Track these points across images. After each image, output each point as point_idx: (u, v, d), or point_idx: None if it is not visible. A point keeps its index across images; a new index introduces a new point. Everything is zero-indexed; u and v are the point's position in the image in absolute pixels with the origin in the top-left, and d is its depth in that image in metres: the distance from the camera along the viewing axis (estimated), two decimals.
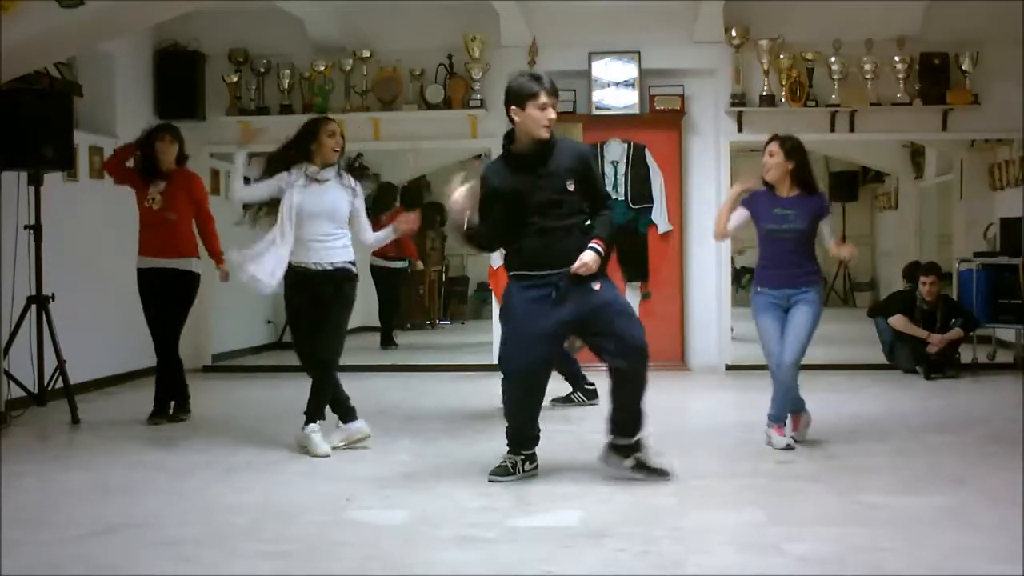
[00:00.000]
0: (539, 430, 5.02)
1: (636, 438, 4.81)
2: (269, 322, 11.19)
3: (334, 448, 5.59)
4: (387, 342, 10.99)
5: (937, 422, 6.47)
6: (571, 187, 4.75)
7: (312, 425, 5.61)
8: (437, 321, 14.09)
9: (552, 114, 4.74)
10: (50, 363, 6.81)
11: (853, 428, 6.13)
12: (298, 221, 5.60)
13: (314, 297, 5.64)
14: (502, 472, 4.89)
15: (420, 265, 11.89)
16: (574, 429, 6.30)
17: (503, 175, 4.84)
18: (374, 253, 11.03)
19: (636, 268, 9.08)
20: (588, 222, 4.84)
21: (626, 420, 4.79)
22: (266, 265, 5.57)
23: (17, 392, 6.77)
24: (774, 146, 5.63)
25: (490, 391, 8.04)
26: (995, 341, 9.32)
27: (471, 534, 3.97)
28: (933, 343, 8.28)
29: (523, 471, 4.92)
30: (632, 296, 9.10)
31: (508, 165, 4.86)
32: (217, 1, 8.41)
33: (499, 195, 4.79)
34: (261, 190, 5.79)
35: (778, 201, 5.63)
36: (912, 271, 9.18)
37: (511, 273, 4.93)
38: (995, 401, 7.34)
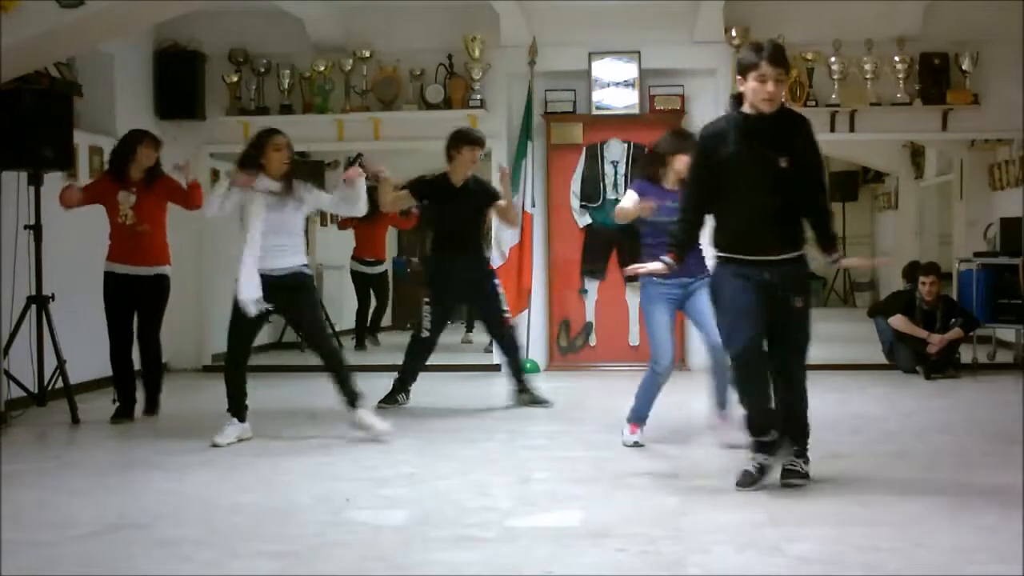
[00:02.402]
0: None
1: (804, 443, 4.68)
2: (269, 322, 11.16)
3: (228, 444, 5.75)
4: (360, 344, 11.00)
5: (937, 422, 6.47)
6: (784, 164, 4.48)
7: (360, 410, 5.94)
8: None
9: (771, 87, 4.43)
10: (50, 363, 6.81)
11: (853, 428, 6.13)
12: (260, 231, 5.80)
13: (277, 302, 5.92)
14: (749, 481, 4.61)
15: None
16: (574, 429, 6.30)
17: (725, 138, 4.56)
18: (352, 256, 11.09)
19: None
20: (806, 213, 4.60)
21: (800, 424, 4.68)
22: (248, 282, 5.80)
23: (17, 392, 6.77)
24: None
25: (490, 391, 8.05)
26: (995, 341, 9.33)
27: (471, 534, 3.97)
28: (933, 343, 8.28)
29: (767, 470, 4.64)
30: (632, 296, 9.11)
31: (734, 129, 4.57)
32: (217, 1, 8.42)
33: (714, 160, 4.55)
34: (228, 205, 5.95)
35: (665, 192, 5.60)
36: (912, 271, 9.18)
37: (719, 255, 4.66)
38: (995, 401, 7.33)
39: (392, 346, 11.04)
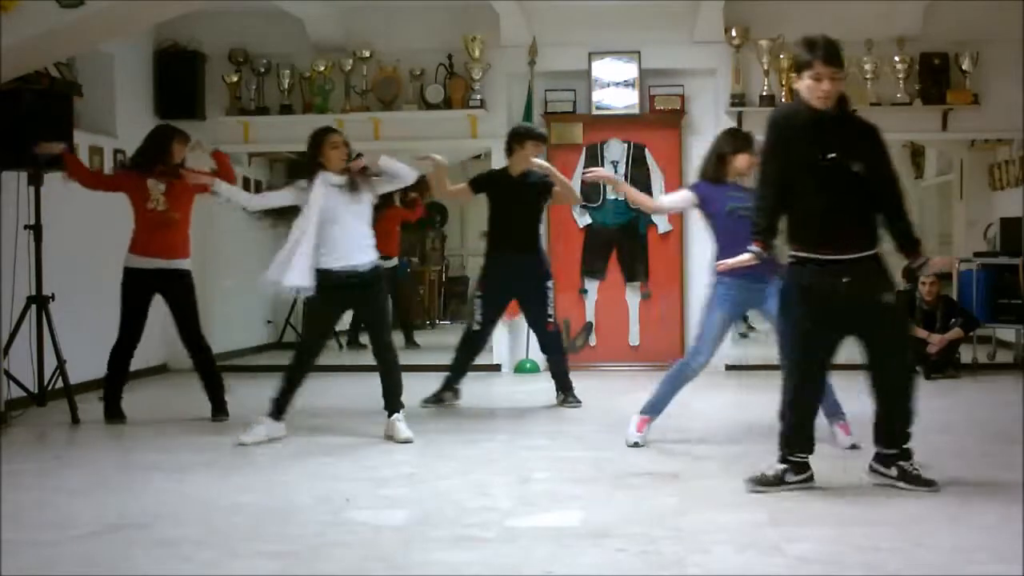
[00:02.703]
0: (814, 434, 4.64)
1: (900, 448, 4.59)
2: (269, 322, 11.18)
3: (255, 443, 5.74)
4: (353, 342, 10.96)
5: (937, 422, 6.45)
6: (856, 168, 4.43)
7: (395, 416, 5.92)
8: (437, 321, 14.09)
9: (826, 86, 4.40)
10: (50, 363, 6.81)
11: (853, 428, 6.12)
12: (329, 226, 5.79)
13: (355, 297, 5.91)
14: (761, 482, 4.55)
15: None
16: (574, 429, 6.30)
17: (794, 127, 4.51)
18: None
19: (636, 268, 9.09)
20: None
21: (891, 429, 4.60)
22: (299, 268, 5.74)
23: (17, 392, 6.77)
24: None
25: (490, 391, 8.06)
26: (995, 341, 9.32)
27: (471, 534, 3.97)
28: (933, 343, 8.28)
29: (791, 482, 4.55)
30: (632, 296, 9.12)
31: (806, 123, 4.50)
32: (217, 1, 8.42)
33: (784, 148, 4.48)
34: (273, 198, 6.07)
35: (729, 186, 5.62)
36: (912, 271, 9.17)
37: (793, 254, 4.57)
38: (995, 401, 7.33)
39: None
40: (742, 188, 5.60)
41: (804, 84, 4.46)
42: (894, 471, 4.57)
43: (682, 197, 5.92)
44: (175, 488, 4.88)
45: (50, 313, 6.77)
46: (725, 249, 5.50)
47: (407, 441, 5.78)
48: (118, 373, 6.70)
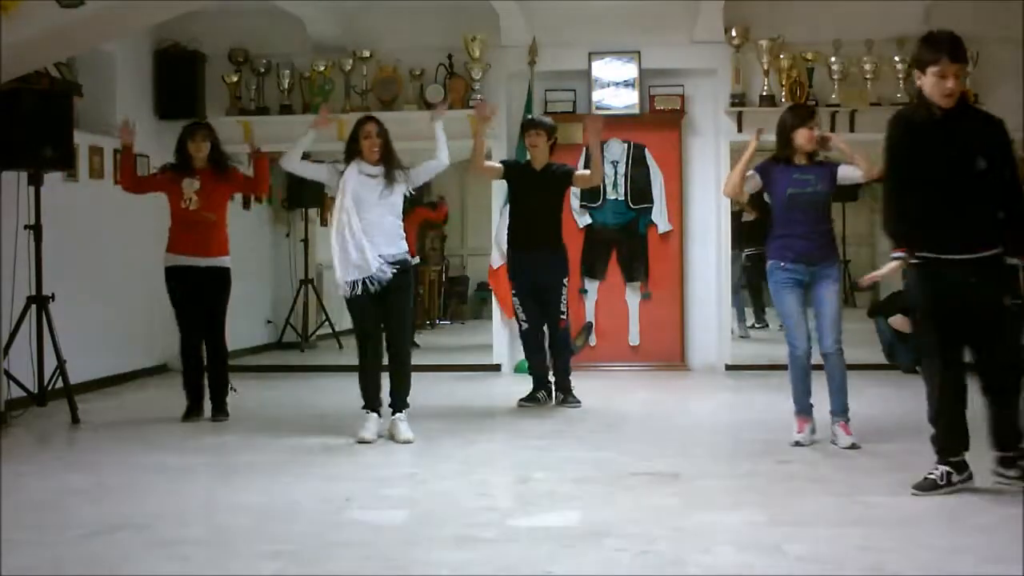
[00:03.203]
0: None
1: (1017, 448, 4.45)
2: (269, 322, 11.18)
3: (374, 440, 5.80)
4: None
5: None
6: (982, 164, 4.33)
7: (398, 415, 5.90)
8: (437, 321, 14.09)
9: (951, 83, 4.28)
10: (50, 363, 6.81)
11: (853, 428, 6.11)
12: (358, 213, 5.83)
13: (381, 290, 5.89)
14: (928, 487, 4.44)
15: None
16: (574, 429, 6.30)
17: (919, 128, 4.41)
18: None
19: (636, 268, 9.09)
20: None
21: (1005, 432, 4.48)
22: (355, 259, 5.79)
23: (17, 392, 6.76)
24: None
25: (490, 391, 8.06)
26: None
27: (471, 534, 3.97)
28: None
29: (956, 483, 4.45)
30: (632, 296, 9.12)
31: (930, 122, 4.40)
32: (217, 1, 8.42)
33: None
34: (310, 169, 6.24)
35: (795, 168, 5.56)
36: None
37: (917, 256, 4.44)
38: None
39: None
40: (809, 170, 5.54)
41: (928, 82, 4.35)
42: (1014, 471, 4.45)
43: (751, 179, 5.72)
44: (175, 488, 4.88)
45: (50, 313, 6.77)
46: (779, 234, 5.56)
47: (407, 442, 5.78)
48: (192, 370, 6.73)
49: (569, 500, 4.53)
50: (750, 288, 11.52)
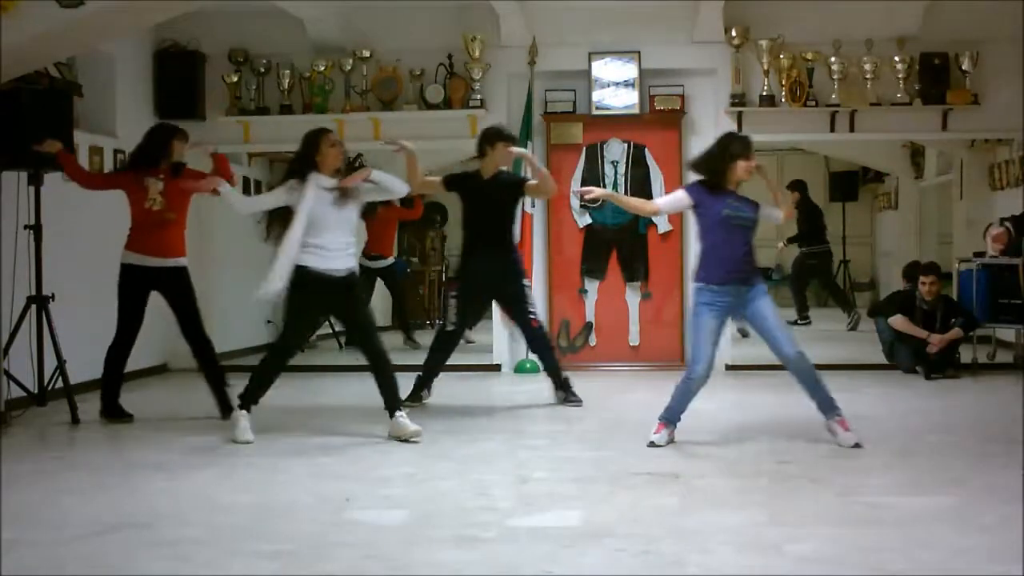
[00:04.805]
0: None
1: None
2: (269, 322, 11.16)
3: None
4: (351, 342, 10.85)
5: (937, 422, 6.47)
6: None
7: (398, 414, 5.89)
8: (437, 321, 14.07)
9: None
10: (50, 363, 6.80)
11: (853, 428, 6.12)
12: (314, 230, 5.79)
13: (334, 301, 5.97)
14: None
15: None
16: (574, 429, 6.30)
17: None
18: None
19: (636, 268, 9.09)
20: None
21: None
22: (279, 272, 5.78)
23: (17, 392, 6.76)
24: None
25: (490, 391, 8.06)
26: (995, 341, 9.32)
27: (471, 534, 3.97)
28: (933, 343, 8.27)
29: None
30: (632, 296, 9.12)
31: None
32: (217, 1, 8.42)
33: None
34: (266, 200, 6.11)
35: (728, 194, 5.65)
36: (912, 271, 9.18)
37: None
38: (995, 401, 7.33)
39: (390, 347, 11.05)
40: (739, 197, 5.63)
41: None
42: None
43: (677, 198, 5.97)
44: (175, 488, 4.88)
45: (50, 313, 6.77)
46: (710, 252, 5.63)
47: (416, 435, 5.78)
48: (115, 372, 6.70)
49: (569, 500, 4.53)
50: None
